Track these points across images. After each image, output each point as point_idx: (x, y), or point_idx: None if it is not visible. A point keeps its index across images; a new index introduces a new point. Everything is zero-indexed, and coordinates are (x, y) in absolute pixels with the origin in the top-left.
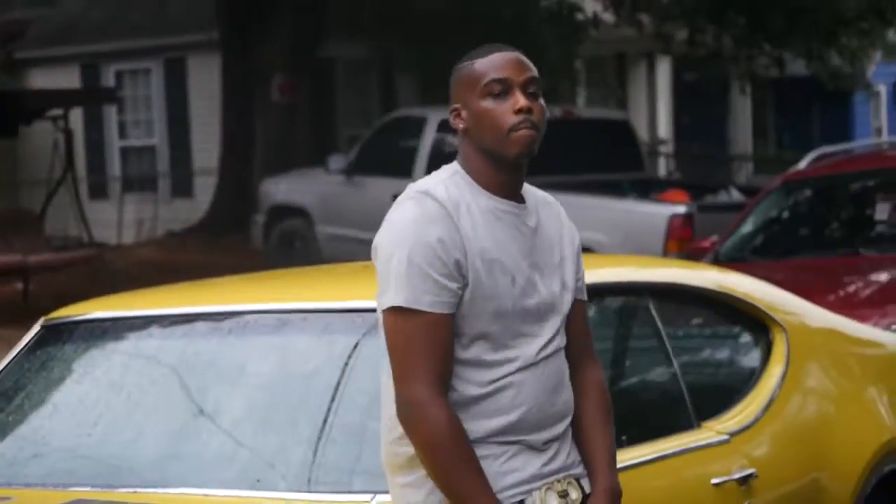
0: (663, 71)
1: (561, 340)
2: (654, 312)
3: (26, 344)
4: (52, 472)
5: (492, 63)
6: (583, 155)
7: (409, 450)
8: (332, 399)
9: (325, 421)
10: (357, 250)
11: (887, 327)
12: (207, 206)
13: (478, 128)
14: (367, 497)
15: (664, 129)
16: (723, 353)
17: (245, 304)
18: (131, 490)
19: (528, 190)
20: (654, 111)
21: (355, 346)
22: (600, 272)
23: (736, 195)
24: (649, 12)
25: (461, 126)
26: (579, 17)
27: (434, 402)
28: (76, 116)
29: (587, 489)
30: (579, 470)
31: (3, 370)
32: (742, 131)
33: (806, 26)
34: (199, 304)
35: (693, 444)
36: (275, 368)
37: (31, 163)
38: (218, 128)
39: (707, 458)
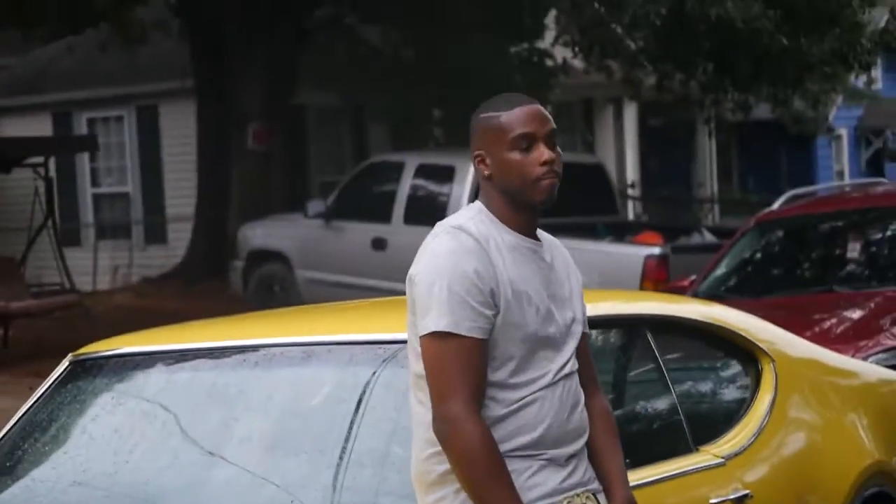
0: (630, 115)
1: (574, 364)
2: (652, 343)
3: (56, 379)
4: (91, 499)
5: (518, 118)
6: (559, 198)
7: (441, 467)
8: (353, 425)
9: (348, 446)
10: (336, 293)
11: (864, 360)
12: (181, 252)
13: (504, 176)
14: None
15: (631, 172)
16: (716, 382)
17: (271, 337)
18: None
19: (538, 231)
20: (623, 155)
21: (376, 375)
22: (601, 305)
23: (708, 237)
24: (618, 59)
25: (486, 173)
26: (549, 63)
27: (470, 419)
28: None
29: (603, 503)
30: (596, 485)
31: (34, 403)
32: (706, 174)
33: (772, 71)
34: (226, 339)
35: (691, 467)
36: (301, 398)
37: (6, 210)
38: (190, 174)
39: (705, 480)
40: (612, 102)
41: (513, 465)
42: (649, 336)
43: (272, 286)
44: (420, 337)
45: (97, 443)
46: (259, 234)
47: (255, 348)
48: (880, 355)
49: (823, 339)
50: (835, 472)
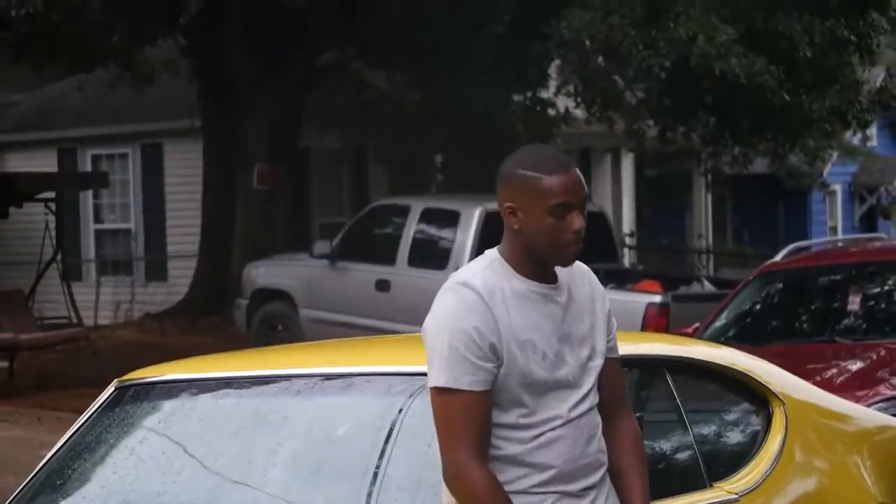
0: (627, 166)
1: (593, 399)
2: (670, 382)
3: (102, 403)
4: None
5: (560, 186)
6: None
7: None
8: (387, 451)
9: (380, 471)
10: (339, 333)
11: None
12: (181, 289)
13: (535, 237)
14: None
15: (627, 222)
16: (729, 422)
17: (313, 367)
18: None
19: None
20: (620, 205)
21: (410, 404)
22: (623, 347)
23: (708, 286)
24: (620, 111)
25: (515, 227)
26: (551, 112)
27: (473, 466)
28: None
29: None
30: None
31: (81, 426)
32: (701, 226)
33: (773, 127)
34: (268, 368)
35: (706, 502)
36: (340, 425)
37: (11, 244)
38: (192, 213)
39: None
40: (611, 152)
41: (529, 500)
42: (668, 376)
43: (276, 325)
44: (429, 388)
45: (145, 463)
46: (264, 273)
47: (298, 377)
48: (880, 405)
49: (824, 388)
50: None
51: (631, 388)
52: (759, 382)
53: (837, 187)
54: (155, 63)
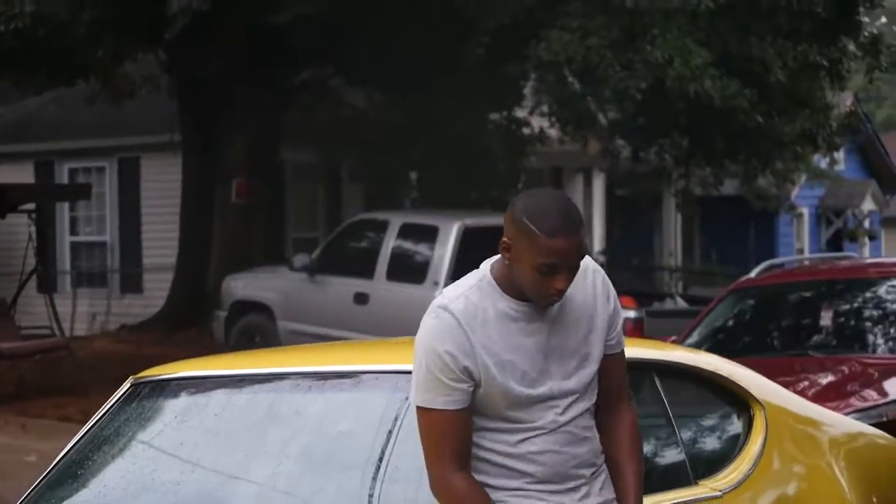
0: (598, 185)
1: (586, 403)
2: (658, 385)
3: (118, 399)
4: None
5: (555, 249)
6: None
7: None
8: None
9: (383, 463)
10: None
11: None
12: (157, 301)
13: (520, 279)
14: None
15: (598, 240)
16: (713, 423)
17: (324, 365)
18: None
19: None
20: (591, 224)
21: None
22: None
23: (681, 303)
24: (593, 131)
25: (506, 262)
26: (526, 131)
27: (454, 475)
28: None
29: None
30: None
31: (99, 419)
32: (671, 245)
33: (745, 149)
34: (280, 366)
35: (691, 498)
36: (350, 420)
37: None
38: (167, 226)
39: None
40: (583, 172)
41: (517, 500)
42: (656, 379)
43: (254, 336)
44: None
45: (163, 455)
46: (243, 286)
47: (309, 375)
48: (852, 415)
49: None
50: None
51: None
52: (741, 387)
53: (805, 210)
54: (135, 78)
